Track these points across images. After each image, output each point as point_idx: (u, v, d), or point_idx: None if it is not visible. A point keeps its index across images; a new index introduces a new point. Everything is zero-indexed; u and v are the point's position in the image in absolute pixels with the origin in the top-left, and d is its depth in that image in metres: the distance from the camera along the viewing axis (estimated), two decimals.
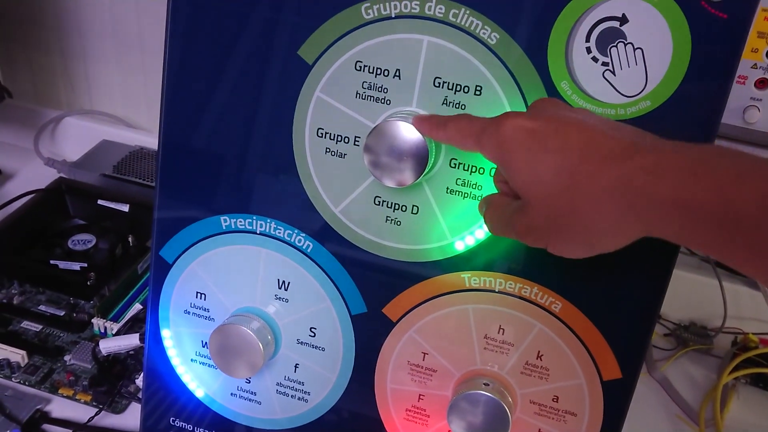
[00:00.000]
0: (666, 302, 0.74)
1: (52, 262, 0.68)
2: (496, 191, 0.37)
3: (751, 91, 0.49)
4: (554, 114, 0.32)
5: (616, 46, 0.35)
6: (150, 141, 0.86)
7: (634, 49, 0.35)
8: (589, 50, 0.36)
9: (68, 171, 0.79)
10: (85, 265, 0.67)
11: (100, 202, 0.73)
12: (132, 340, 0.59)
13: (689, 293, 0.75)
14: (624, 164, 0.29)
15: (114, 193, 0.74)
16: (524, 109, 0.37)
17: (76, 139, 0.88)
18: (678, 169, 0.27)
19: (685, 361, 0.71)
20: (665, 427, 0.64)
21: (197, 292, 0.45)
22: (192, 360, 0.47)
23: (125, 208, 0.72)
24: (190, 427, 0.48)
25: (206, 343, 0.45)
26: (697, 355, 0.72)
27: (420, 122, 0.36)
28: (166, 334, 0.47)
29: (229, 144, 0.42)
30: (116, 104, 0.91)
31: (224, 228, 0.43)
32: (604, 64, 0.35)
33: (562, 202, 0.30)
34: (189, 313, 0.46)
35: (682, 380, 0.68)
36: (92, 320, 0.64)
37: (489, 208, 0.36)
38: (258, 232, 0.43)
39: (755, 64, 0.48)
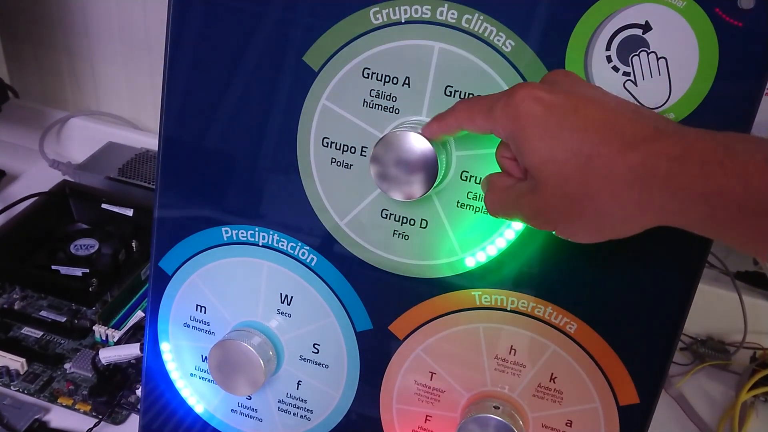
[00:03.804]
0: None
1: (53, 267, 0.66)
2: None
3: None
4: (573, 89, 0.30)
5: (638, 55, 0.33)
6: (156, 143, 0.84)
7: (658, 59, 0.33)
8: (609, 59, 0.34)
9: (73, 173, 0.78)
10: (87, 270, 0.66)
11: (104, 205, 0.71)
12: (132, 350, 0.58)
13: (707, 306, 0.73)
14: (646, 150, 0.27)
15: (118, 197, 0.73)
16: None
17: (81, 140, 0.87)
18: (703, 157, 0.26)
19: (702, 377, 0.69)
20: None
21: (197, 305, 0.44)
22: (192, 374, 0.45)
23: (129, 212, 0.71)
24: None
25: (206, 357, 0.44)
26: (715, 370, 0.69)
27: (426, 127, 0.34)
28: (165, 347, 0.45)
29: (231, 153, 0.40)
30: (123, 105, 0.90)
31: (225, 239, 0.42)
32: (626, 74, 0.34)
33: (576, 185, 0.28)
34: (189, 326, 0.44)
35: (699, 397, 0.66)
36: (93, 327, 0.63)
37: (491, 189, 0.33)
38: (260, 244, 0.41)
39: None
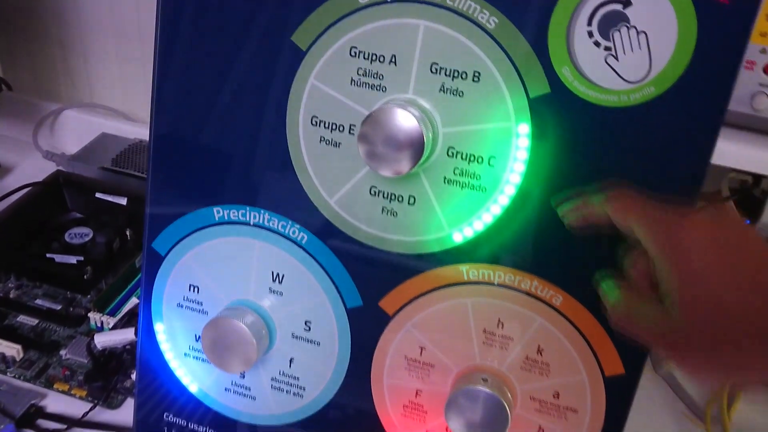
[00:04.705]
0: None
1: (48, 255, 0.67)
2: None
3: (760, 77, 0.47)
4: (735, 225, 0.31)
5: (618, 30, 0.34)
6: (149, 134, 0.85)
7: (638, 33, 0.34)
8: (591, 34, 0.34)
9: (67, 164, 0.79)
10: (82, 258, 0.67)
11: (98, 195, 0.72)
12: (127, 335, 0.58)
13: None
14: None
15: (112, 187, 0.73)
16: (523, 97, 0.36)
17: (75, 132, 0.87)
18: None
19: None
20: (671, 425, 0.62)
21: (190, 285, 0.44)
22: (185, 354, 0.46)
23: (123, 201, 0.71)
24: (183, 422, 0.48)
25: (199, 337, 0.44)
26: None
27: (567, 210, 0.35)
28: (159, 327, 0.46)
29: (221, 133, 0.41)
30: (116, 97, 0.90)
31: (217, 219, 0.42)
32: (607, 48, 0.34)
33: (727, 335, 0.29)
34: (182, 306, 0.45)
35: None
36: (89, 315, 0.63)
37: (625, 299, 0.33)
38: (251, 223, 0.42)
39: (764, 49, 0.46)
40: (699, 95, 0.34)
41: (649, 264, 0.32)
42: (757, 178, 0.69)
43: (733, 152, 0.47)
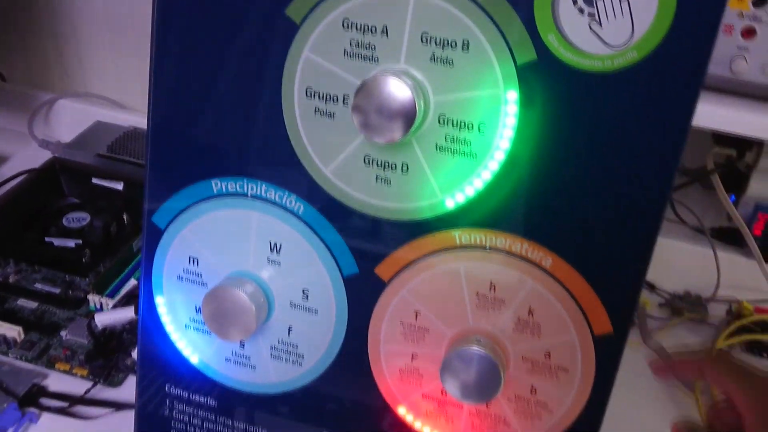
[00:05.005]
0: (660, 272, 0.75)
1: (47, 239, 0.68)
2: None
3: (738, 40, 0.49)
4: None
5: None
6: (144, 121, 0.85)
7: None
8: (575, 1, 0.35)
9: (63, 152, 0.80)
10: (80, 242, 0.68)
11: (94, 180, 0.73)
12: (127, 313, 0.60)
13: (684, 263, 0.75)
14: None
15: (108, 172, 0.74)
16: (511, 64, 0.37)
17: (70, 121, 0.88)
18: None
19: (680, 330, 0.71)
20: (661, 394, 0.64)
21: (190, 257, 0.45)
22: (186, 326, 0.47)
23: (120, 186, 0.72)
24: (185, 393, 0.49)
25: (200, 308, 0.46)
26: (692, 324, 0.72)
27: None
28: (159, 300, 0.47)
29: (219, 107, 0.42)
30: (110, 86, 0.91)
31: (215, 192, 0.44)
32: (590, 15, 0.35)
33: None
34: (182, 278, 0.46)
35: (678, 348, 0.69)
36: (88, 296, 0.64)
37: None
38: (249, 195, 0.43)
39: (741, 13, 0.48)
40: (680, 59, 0.35)
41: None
42: (741, 152, 0.70)
43: (712, 114, 0.49)
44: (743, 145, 0.70)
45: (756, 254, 0.68)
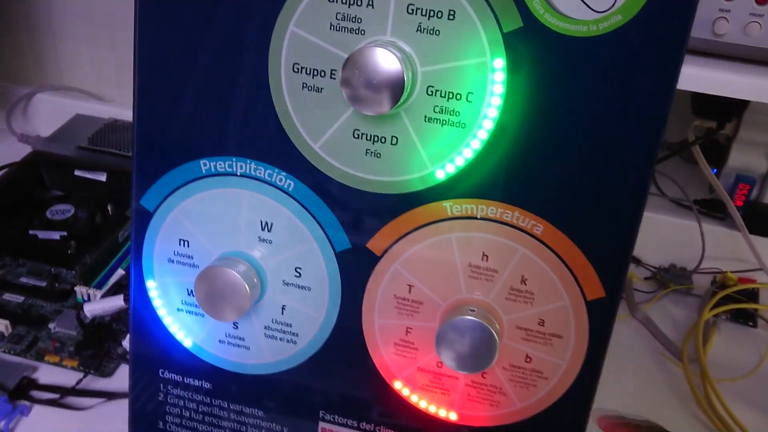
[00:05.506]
0: (646, 246, 0.75)
1: (31, 232, 0.67)
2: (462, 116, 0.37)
3: (719, 2, 0.49)
4: None
5: None
6: (123, 113, 0.85)
7: None
8: None
9: (43, 145, 0.79)
10: (65, 233, 0.67)
11: (77, 172, 0.72)
12: (116, 302, 0.59)
13: (668, 236, 0.76)
14: None
15: (90, 164, 0.74)
16: (497, 32, 0.37)
17: (48, 115, 0.87)
18: None
19: (666, 302, 0.72)
20: (650, 365, 0.65)
21: (180, 239, 0.45)
22: (178, 309, 0.47)
23: (103, 177, 0.72)
24: (179, 377, 0.48)
25: (192, 291, 0.45)
26: (678, 295, 0.73)
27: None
28: (150, 285, 0.47)
29: (205, 86, 0.42)
30: (86, 79, 0.90)
31: (204, 172, 0.43)
32: None
33: None
34: (173, 261, 0.46)
35: (665, 320, 0.70)
36: (75, 288, 0.64)
37: None
38: (239, 174, 0.43)
39: None
40: (664, 20, 0.35)
41: None
42: (721, 124, 0.71)
43: (696, 77, 0.49)
44: (723, 116, 0.70)
45: (739, 224, 0.69)
